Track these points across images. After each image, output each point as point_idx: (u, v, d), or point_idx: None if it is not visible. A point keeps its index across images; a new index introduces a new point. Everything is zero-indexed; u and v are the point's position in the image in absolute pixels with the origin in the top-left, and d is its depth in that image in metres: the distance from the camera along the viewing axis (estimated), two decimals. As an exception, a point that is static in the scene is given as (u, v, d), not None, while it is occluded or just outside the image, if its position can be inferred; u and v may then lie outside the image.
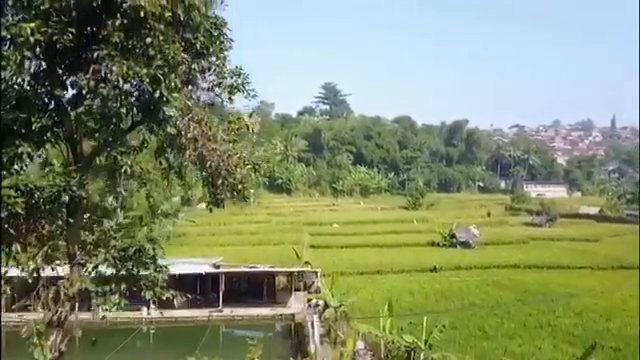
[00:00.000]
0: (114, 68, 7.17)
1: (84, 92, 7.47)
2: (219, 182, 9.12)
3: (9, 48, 7.32)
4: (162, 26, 7.42)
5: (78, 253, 8.69)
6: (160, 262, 9.39)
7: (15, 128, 7.78)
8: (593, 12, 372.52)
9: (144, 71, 7.25)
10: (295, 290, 31.57)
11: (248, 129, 9.64)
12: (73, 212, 8.51)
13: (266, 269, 30.94)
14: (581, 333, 23.88)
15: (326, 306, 25.87)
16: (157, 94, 7.42)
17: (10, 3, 7.47)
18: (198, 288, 31.51)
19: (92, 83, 7.31)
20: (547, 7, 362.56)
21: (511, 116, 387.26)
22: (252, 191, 10.57)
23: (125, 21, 7.32)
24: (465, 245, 50.27)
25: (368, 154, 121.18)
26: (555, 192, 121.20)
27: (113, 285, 8.81)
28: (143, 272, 9.32)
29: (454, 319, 26.84)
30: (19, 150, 7.65)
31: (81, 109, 7.60)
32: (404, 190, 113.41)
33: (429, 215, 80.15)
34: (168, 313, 29.81)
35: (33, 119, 7.75)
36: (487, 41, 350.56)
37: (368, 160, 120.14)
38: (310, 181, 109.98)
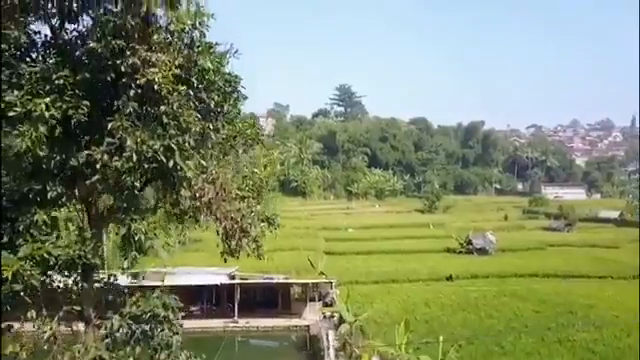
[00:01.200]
0: (128, 141, 7.18)
1: (98, 165, 7.51)
2: (234, 241, 9.11)
3: (24, 123, 7.38)
4: (176, 94, 7.43)
5: (93, 315, 8.75)
6: (174, 323, 9.35)
7: (30, 196, 7.85)
8: (614, 9, 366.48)
9: (158, 144, 7.27)
10: (310, 300, 31.50)
11: (262, 182, 9.60)
12: (88, 276, 8.57)
13: (281, 280, 30.93)
14: (601, 350, 23.41)
15: (341, 320, 25.75)
16: (171, 163, 7.47)
17: (27, 76, 7.52)
18: (214, 298, 31.68)
19: (106, 157, 7.35)
20: (565, 4, 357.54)
21: (528, 116, 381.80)
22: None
23: (139, 91, 7.35)
24: (482, 252, 49.69)
25: (383, 156, 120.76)
26: (574, 194, 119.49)
27: (128, 349, 8.81)
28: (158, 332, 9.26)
29: (471, 333, 26.65)
30: (35, 218, 7.71)
31: (96, 177, 7.64)
32: (420, 192, 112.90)
33: (445, 219, 79.57)
34: (183, 323, 30.02)
35: (48, 187, 7.81)
36: (503, 40, 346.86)
37: (383, 162, 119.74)
38: (325, 184, 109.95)
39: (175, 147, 7.34)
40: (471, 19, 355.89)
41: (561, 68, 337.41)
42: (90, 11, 7.71)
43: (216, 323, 29.78)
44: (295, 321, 30.30)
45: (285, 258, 45.72)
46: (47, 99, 7.19)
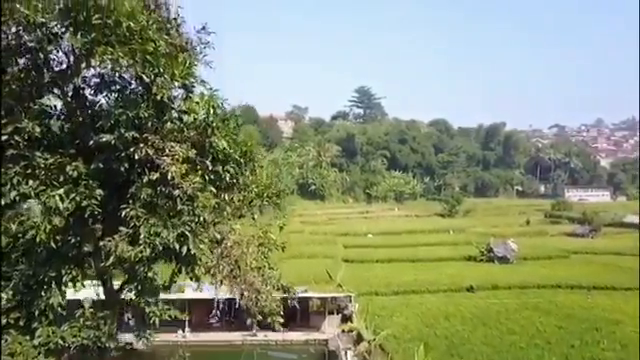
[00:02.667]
0: (142, 232, 7.15)
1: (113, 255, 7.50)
2: (249, 314, 9.07)
3: (40, 214, 7.40)
4: (190, 177, 7.38)
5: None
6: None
7: (46, 280, 7.87)
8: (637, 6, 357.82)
9: (171, 235, 7.23)
10: (329, 313, 31.35)
11: (278, 248, 9.50)
12: (103, 356, 8.57)
13: (299, 294, 30.74)
14: (628, 371, 22.76)
15: (360, 336, 25.55)
16: (184, 250, 7.43)
17: (42, 166, 7.56)
18: (232, 311, 31.73)
19: (120, 246, 7.32)
20: (588, 3, 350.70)
21: (550, 116, 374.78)
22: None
23: (153, 177, 7.33)
24: (503, 260, 48.89)
25: (403, 158, 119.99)
26: (598, 197, 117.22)
27: None
28: None
29: (492, 350, 26.17)
30: (51, 301, 7.74)
31: (111, 261, 7.64)
32: (440, 195, 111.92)
33: (466, 223, 78.70)
34: (203, 336, 30.19)
35: (64, 271, 7.84)
36: (525, 40, 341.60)
37: (403, 165, 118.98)
38: (344, 187, 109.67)
39: (189, 234, 7.29)
40: (493, 18, 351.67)
41: (584, 66, 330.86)
42: (103, 97, 7.74)
43: (235, 336, 29.86)
44: (314, 335, 30.20)
45: (303, 266, 45.67)
46: (61, 190, 7.24)
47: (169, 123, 7.66)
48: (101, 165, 7.58)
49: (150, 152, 7.33)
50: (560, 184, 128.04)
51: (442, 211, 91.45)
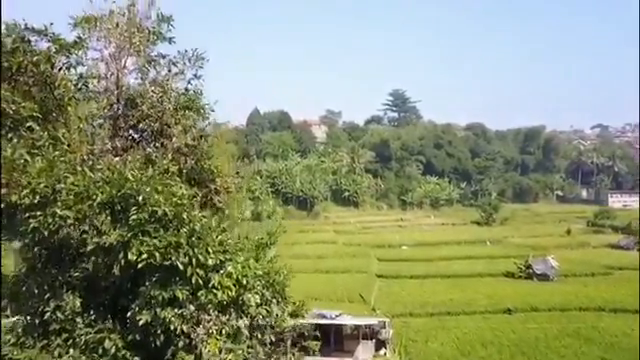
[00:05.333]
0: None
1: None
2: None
3: None
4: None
5: None
6: None
7: None
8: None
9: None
10: (363, 338, 31.17)
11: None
12: None
13: (333, 319, 30.71)
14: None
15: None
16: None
17: (82, 340, 7.88)
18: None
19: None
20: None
21: (593, 115, 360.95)
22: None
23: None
24: (543, 277, 47.54)
25: (438, 164, 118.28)
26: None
27: None
28: None
29: (531, 384, 25.53)
30: None
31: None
32: (477, 201, 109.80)
33: (503, 233, 77.00)
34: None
35: None
36: (561, 38, 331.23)
37: (438, 170, 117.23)
38: (378, 193, 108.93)
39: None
40: (530, 19, 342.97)
41: (628, 62, 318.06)
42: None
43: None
44: (347, 361, 30.05)
45: (337, 283, 45.75)
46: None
47: (203, 297, 7.89)
48: (138, 337, 7.86)
49: (185, 327, 7.60)
50: (603, 189, 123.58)
51: (479, 219, 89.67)
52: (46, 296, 8.12)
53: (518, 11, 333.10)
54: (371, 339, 31.32)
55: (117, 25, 9.84)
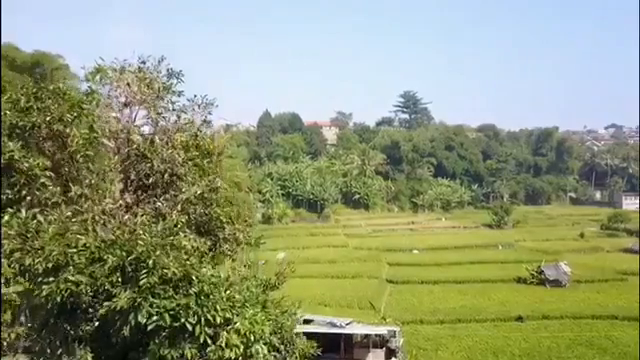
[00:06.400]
0: None
1: None
2: None
3: None
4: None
5: None
6: None
7: None
8: None
9: None
10: (373, 346, 31.10)
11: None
12: None
13: (343, 327, 30.67)
14: None
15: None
16: None
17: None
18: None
19: None
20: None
21: (607, 115, 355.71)
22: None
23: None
24: (555, 284, 47.09)
25: (450, 165, 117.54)
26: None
27: None
28: None
29: (542, 396, 25.31)
30: None
31: None
32: (488, 203, 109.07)
33: (515, 236, 76.30)
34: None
35: None
36: (578, 34, 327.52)
37: (450, 172, 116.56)
38: (389, 195, 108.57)
39: None
40: (541, 18, 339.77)
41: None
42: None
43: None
44: (357, 370, 30.00)
45: (347, 288, 45.70)
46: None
47: (212, 354, 7.98)
48: None
49: None
50: (617, 191, 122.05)
51: (490, 222, 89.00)
52: (58, 352, 8.26)
53: (531, 11, 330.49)
54: (381, 347, 31.23)
55: (128, 85, 9.99)
